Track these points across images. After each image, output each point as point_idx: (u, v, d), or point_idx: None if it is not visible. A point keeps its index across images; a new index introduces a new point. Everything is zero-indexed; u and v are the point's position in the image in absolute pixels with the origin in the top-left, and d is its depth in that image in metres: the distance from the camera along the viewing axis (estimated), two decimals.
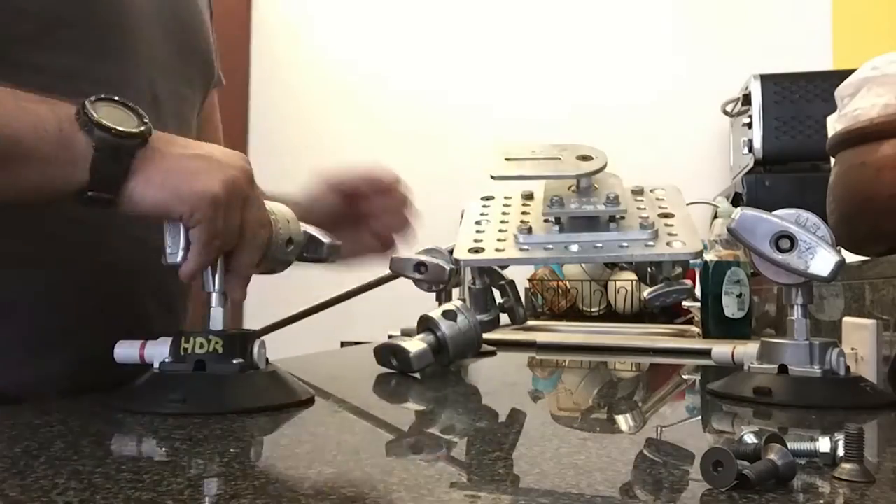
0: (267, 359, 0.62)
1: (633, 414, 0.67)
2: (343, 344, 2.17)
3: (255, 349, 0.60)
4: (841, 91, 1.02)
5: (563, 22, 2.84)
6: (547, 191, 0.84)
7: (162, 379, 0.58)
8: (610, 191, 0.81)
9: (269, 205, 0.65)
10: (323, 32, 3.06)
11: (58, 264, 0.72)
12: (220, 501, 0.34)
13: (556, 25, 2.84)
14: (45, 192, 0.57)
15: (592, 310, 2.08)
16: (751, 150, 2.06)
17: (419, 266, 0.95)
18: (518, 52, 2.85)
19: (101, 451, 0.45)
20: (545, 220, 0.83)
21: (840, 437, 0.39)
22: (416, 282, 0.97)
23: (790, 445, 0.38)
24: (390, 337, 1.25)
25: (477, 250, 0.82)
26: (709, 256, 1.36)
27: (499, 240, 0.84)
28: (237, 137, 3.09)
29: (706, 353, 0.93)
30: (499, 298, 0.96)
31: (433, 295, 1.05)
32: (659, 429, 0.59)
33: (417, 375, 0.82)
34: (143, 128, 0.57)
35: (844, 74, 1.03)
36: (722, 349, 0.86)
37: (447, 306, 0.85)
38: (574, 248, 0.80)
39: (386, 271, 1.03)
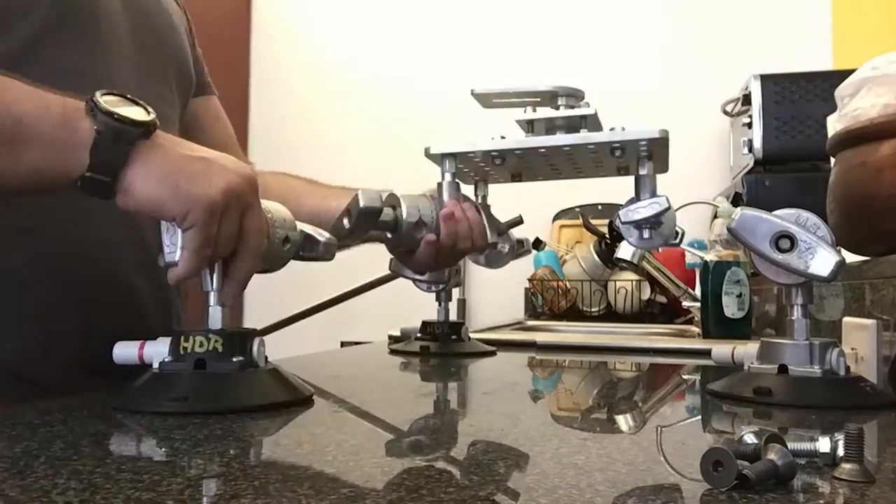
0: (266, 357, 0.62)
1: (633, 414, 0.67)
2: (343, 344, 2.17)
3: (255, 347, 0.60)
4: (841, 91, 1.02)
5: (563, 22, 2.84)
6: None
7: (162, 378, 0.58)
8: (583, 102, 0.82)
9: (265, 204, 0.65)
10: (323, 32, 3.06)
11: (46, 235, 0.72)
12: (220, 501, 0.34)
13: (556, 25, 2.84)
14: (45, 176, 0.56)
15: (592, 310, 2.08)
16: (751, 150, 2.06)
17: None
18: (518, 52, 2.85)
19: (101, 451, 0.45)
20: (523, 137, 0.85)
21: (840, 437, 0.39)
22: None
23: (790, 445, 0.38)
24: (390, 337, 1.25)
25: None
26: (709, 256, 1.36)
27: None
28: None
29: (706, 353, 0.93)
30: None
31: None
32: (659, 429, 0.59)
33: (418, 376, 0.81)
34: (148, 119, 0.57)
35: (844, 74, 1.03)
36: (722, 349, 0.86)
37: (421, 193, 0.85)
38: (541, 140, 0.81)
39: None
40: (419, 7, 2.96)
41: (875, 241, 0.91)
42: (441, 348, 1.06)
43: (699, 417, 0.67)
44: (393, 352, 1.09)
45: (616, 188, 1.14)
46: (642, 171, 0.83)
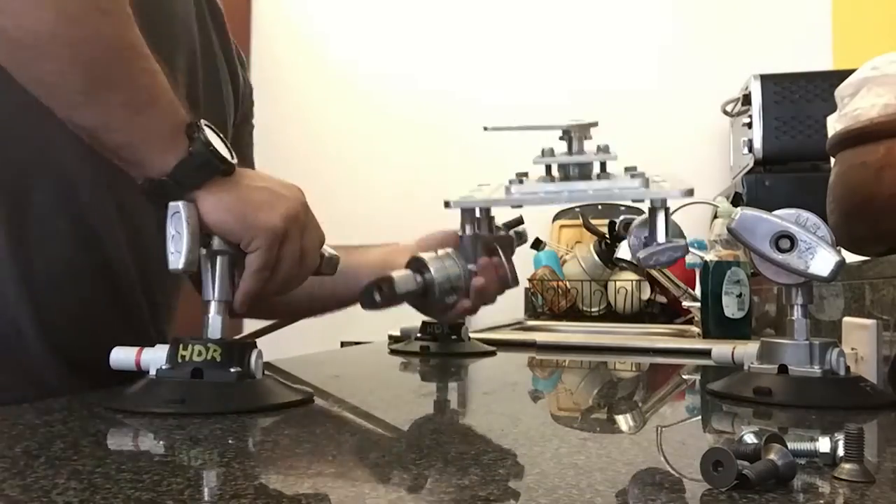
0: (264, 371, 0.62)
1: (633, 414, 0.67)
2: (343, 344, 2.17)
3: (253, 358, 0.60)
4: (841, 91, 1.02)
5: (564, 22, 2.84)
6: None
7: (159, 383, 0.58)
8: (600, 144, 0.82)
9: None
10: (323, 32, 3.06)
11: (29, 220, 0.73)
12: (220, 501, 0.34)
13: (556, 25, 2.84)
14: (133, 155, 0.61)
15: (592, 310, 2.08)
16: (751, 150, 2.06)
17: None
18: (518, 52, 2.85)
19: (101, 451, 0.45)
20: (538, 178, 0.84)
21: (840, 437, 0.39)
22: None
23: (790, 445, 0.38)
24: (390, 337, 1.25)
25: (468, 198, 0.83)
26: (709, 256, 1.36)
27: (491, 193, 0.85)
28: None
29: (706, 353, 0.93)
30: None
31: None
32: (659, 429, 0.59)
33: (418, 376, 0.81)
34: (233, 160, 0.63)
35: (844, 74, 1.03)
36: (722, 349, 0.86)
37: (439, 251, 0.84)
38: (565, 194, 0.80)
39: None
40: (419, 5, 2.96)
41: (875, 241, 0.91)
42: (441, 348, 1.06)
43: (699, 417, 0.67)
44: (393, 352, 1.09)
45: None
46: (660, 215, 0.84)
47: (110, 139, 0.61)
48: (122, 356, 0.60)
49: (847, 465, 0.37)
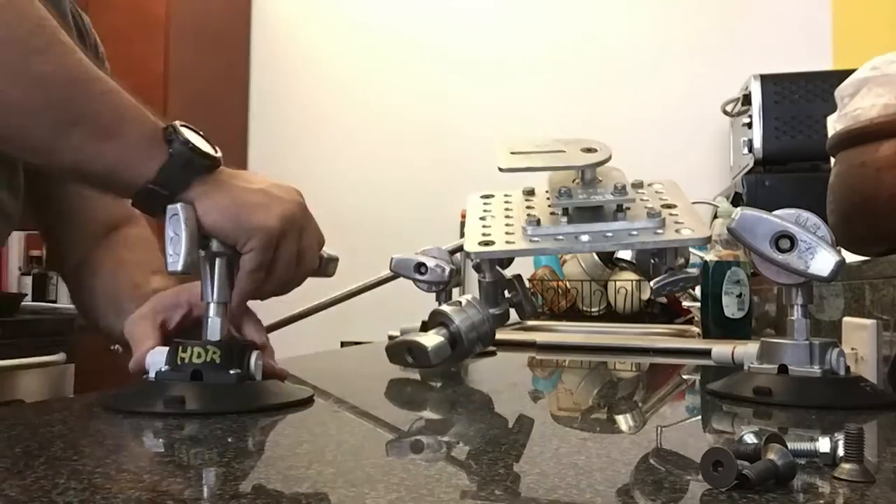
0: (263, 371, 0.62)
1: (633, 414, 0.67)
2: (343, 344, 2.17)
3: (253, 360, 0.60)
4: (841, 91, 1.02)
5: (564, 22, 2.84)
6: (553, 183, 0.84)
7: (158, 384, 0.58)
8: (615, 182, 0.81)
9: None
10: (323, 32, 3.06)
11: None
12: (219, 501, 0.34)
13: (556, 25, 2.84)
14: (116, 176, 0.60)
15: (592, 310, 2.08)
16: (751, 150, 2.06)
17: (419, 266, 0.95)
18: (518, 51, 2.85)
19: (101, 451, 0.45)
20: (552, 213, 0.83)
21: (840, 437, 0.39)
22: (416, 282, 0.97)
23: (790, 445, 0.38)
24: (390, 337, 1.25)
25: (487, 243, 0.82)
26: (709, 256, 1.36)
27: (507, 233, 0.84)
28: (237, 137, 3.09)
29: (706, 353, 0.93)
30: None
31: (433, 295, 1.05)
32: (659, 429, 0.59)
33: (418, 376, 0.81)
34: (217, 155, 0.62)
35: (844, 74, 1.03)
36: (722, 349, 0.86)
37: (459, 300, 0.85)
38: (584, 238, 0.80)
39: (386, 271, 1.03)
40: (419, 7, 2.96)
41: (875, 241, 0.91)
42: None
43: (699, 417, 0.67)
44: None
45: None
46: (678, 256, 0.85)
47: (93, 172, 0.60)
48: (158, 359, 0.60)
49: (847, 465, 0.37)
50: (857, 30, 2.40)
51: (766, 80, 2.06)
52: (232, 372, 0.58)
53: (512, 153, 0.83)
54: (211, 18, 2.92)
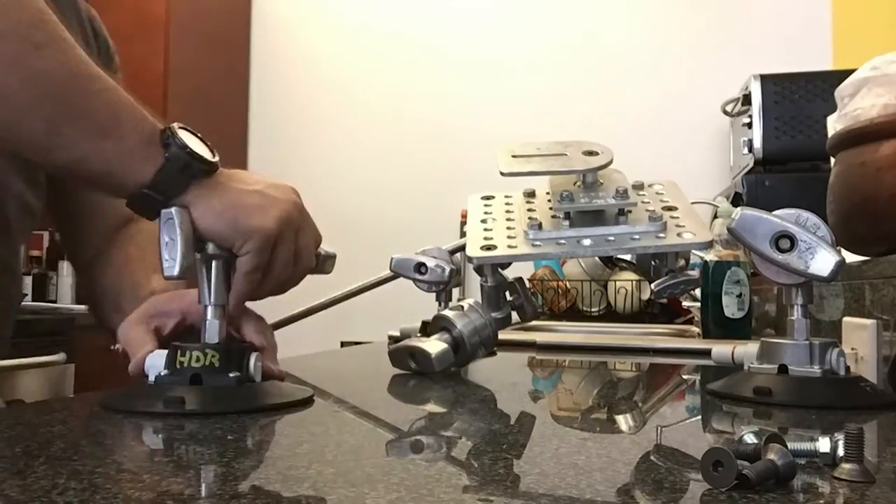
0: (263, 372, 0.62)
1: (633, 414, 0.67)
2: (343, 344, 2.17)
3: (252, 362, 0.59)
4: (841, 91, 1.02)
5: (564, 22, 2.84)
6: (554, 186, 0.84)
7: (158, 387, 0.58)
8: (616, 185, 0.81)
9: None
10: (323, 32, 3.06)
11: None
12: (220, 501, 0.34)
13: (556, 25, 2.84)
14: (111, 177, 0.60)
15: (592, 310, 2.08)
16: (751, 150, 2.06)
17: (419, 266, 0.95)
18: (518, 51, 2.85)
19: (101, 451, 0.45)
20: (553, 217, 0.83)
21: (840, 437, 0.39)
22: (416, 282, 0.97)
23: (790, 445, 0.38)
24: (390, 337, 1.25)
25: (489, 247, 0.82)
26: (709, 256, 1.36)
27: (509, 237, 0.84)
28: (237, 137, 3.09)
29: (706, 353, 0.93)
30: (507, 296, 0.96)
31: (433, 295, 1.05)
32: (659, 429, 0.59)
33: (418, 376, 0.81)
34: (214, 159, 0.62)
35: (844, 74, 1.03)
36: (722, 349, 0.86)
37: (461, 304, 0.85)
38: (587, 241, 0.80)
39: (386, 271, 1.03)
40: (419, 7, 2.96)
41: (875, 241, 0.91)
42: None
43: (699, 417, 0.67)
44: None
45: None
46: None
47: (88, 171, 0.60)
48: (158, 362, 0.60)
49: (847, 465, 0.37)
50: (857, 30, 2.40)
51: (766, 80, 2.06)
52: (231, 375, 0.57)
53: (513, 157, 0.83)
54: (211, 18, 2.92)
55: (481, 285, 0.87)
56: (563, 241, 0.81)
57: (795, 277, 0.63)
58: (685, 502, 0.36)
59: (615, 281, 2.04)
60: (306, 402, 0.61)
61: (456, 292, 1.08)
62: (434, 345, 0.80)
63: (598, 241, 0.80)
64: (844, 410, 0.61)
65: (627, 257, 1.34)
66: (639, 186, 0.89)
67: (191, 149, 0.59)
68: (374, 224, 2.85)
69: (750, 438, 0.38)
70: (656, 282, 0.87)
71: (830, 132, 1.01)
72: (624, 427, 0.60)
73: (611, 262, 2.00)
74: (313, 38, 3.07)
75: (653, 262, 0.90)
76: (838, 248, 0.65)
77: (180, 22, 2.71)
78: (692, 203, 0.87)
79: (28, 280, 2.73)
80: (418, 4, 2.96)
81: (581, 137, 0.87)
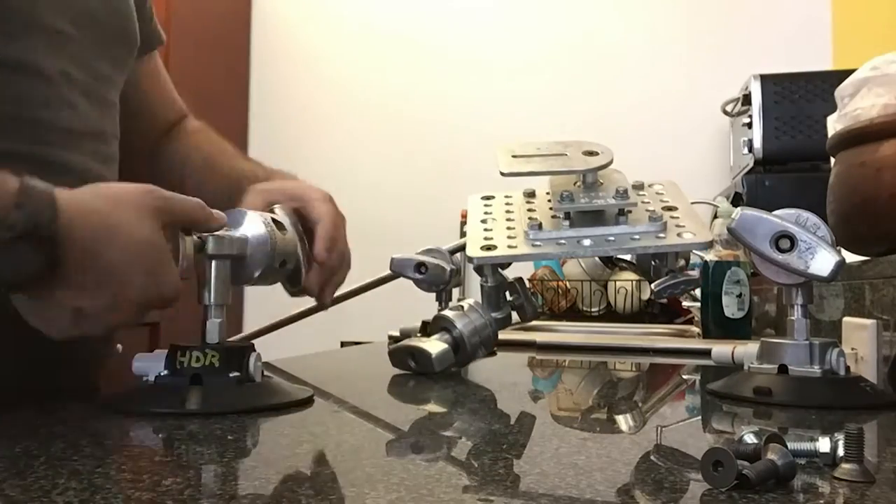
0: (263, 372, 0.62)
1: (633, 414, 0.67)
2: (343, 344, 2.17)
3: (252, 361, 0.59)
4: (841, 91, 1.02)
5: (563, 22, 2.84)
6: (554, 186, 0.84)
7: (158, 387, 0.58)
8: (616, 185, 0.81)
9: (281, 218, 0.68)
10: (323, 32, 3.06)
11: None
12: (220, 501, 0.34)
13: (556, 25, 2.84)
14: None
15: (592, 310, 2.08)
16: (751, 150, 2.06)
17: (419, 266, 0.95)
18: (518, 51, 2.85)
19: (101, 451, 0.45)
20: (553, 217, 0.83)
21: (840, 437, 0.39)
22: (417, 282, 0.97)
23: (790, 445, 0.38)
24: (390, 337, 1.25)
25: (489, 248, 0.82)
26: (709, 256, 1.36)
27: (509, 237, 0.84)
28: (237, 137, 3.09)
29: (706, 353, 0.93)
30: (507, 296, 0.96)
31: (433, 295, 1.05)
32: (659, 429, 0.59)
33: (417, 377, 0.81)
34: (32, 276, 0.52)
35: (844, 74, 1.03)
36: (722, 349, 0.86)
37: (461, 304, 0.85)
38: (587, 242, 0.80)
39: (386, 271, 1.03)
40: (419, 8, 2.96)
41: (875, 241, 0.91)
42: None
43: (699, 417, 0.67)
44: None
45: None
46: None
47: None
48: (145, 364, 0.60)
49: (847, 465, 0.37)
50: (857, 30, 2.40)
51: (766, 80, 2.06)
52: (231, 375, 0.57)
53: (513, 157, 0.83)
54: (211, 18, 2.92)
55: (481, 285, 0.87)
56: (563, 242, 0.81)
57: (795, 277, 0.63)
58: (685, 502, 0.36)
59: (615, 281, 2.04)
60: (306, 402, 0.61)
61: (456, 292, 1.08)
62: (434, 345, 0.80)
63: (598, 242, 0.80)
64: (844, 410, 0.61)
65: (627, 257, 1.34)
66: (639, 186, 0.89)
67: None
68: (373, 224, 2.84)
69: (750, 438, 0.38)
70: (656, 282, 0.87)
71: (830, 132, 1.01)
72: (624, 427, 0.60)
73: (611, 262, 2.00)
74: (313, 38, 3.07)
75: (653, 262, 0.90)
76: (838, 248, 0.65)
77: (180, 22, 2.71)
78: (692, 203, 0.87)
79: None
80: (418, 4, 2.96)
81: (581, 137, 0.87)
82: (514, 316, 0.94)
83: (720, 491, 0.35)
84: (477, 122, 2.80)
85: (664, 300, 2.02)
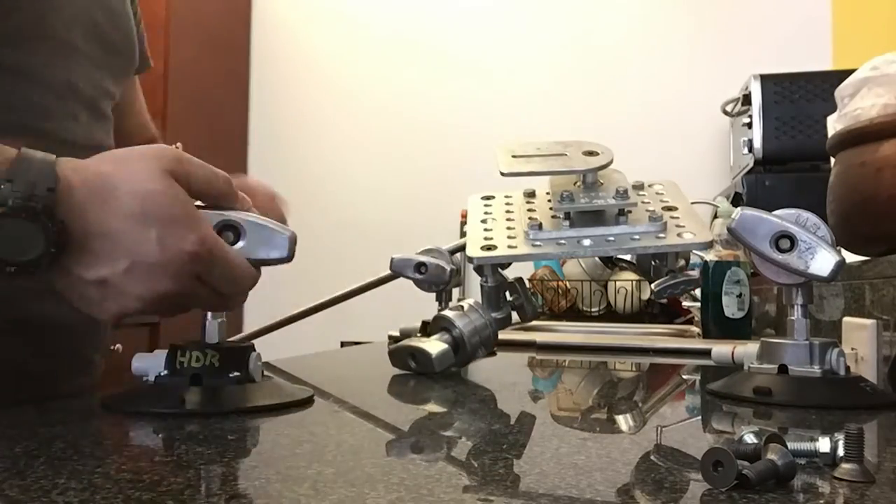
0: (263, 371, 0.62)
1: (633, 414, 0.67)
2: (343, 344, 2.17)
3: (252, 361, 0.59)
4: (841, 91, 1.02)
5: (564, 22, 2.84)
6: (554, 186, 0.84)
7: (158, 387, 0.58)
8: (616, 185, 0.81)
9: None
10: (323, 33, 3.06)
11: None
12: (220, 501, 0.34)
13: (556, 26, 2.84)
14: None
15: (592, 310, 2.08)
16: (751, 150, 2.06)
17: (419, 266, 0.95)
18: (518, 52, 2.85)
19: (101, 451, 0.45)
20: (553, 217, 0.83)
21: (840, 437, 0.39)
22: (417, 282, 0.97)
23: (790, 445, 0.38)
24: (390, 337, 1.25)
25: (489, 248, 0.82)
26: (709, 256, 1.36)
27: (509, 237, 0.84)
28: (238, 138, 3.09)
29: (706, 353, 0.93)
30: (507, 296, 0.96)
31: (433, 295, 1.05)
32: (659, 429, 0.59)
33: (417, 377, 0.81)
34: (38, 253, 0.48)
35: (844, 74, 1.03)
36: (722, 349, 0.86)
37: (461, 304, 0.85)
38: (587, 242, 0.80)
39: (386, 271, 1.03)
40: (419, 8, 2.96)
41: (875, 241, 0.91)
42: None
43: (699, 417, 0.67)
44: None
45: None
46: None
47: None
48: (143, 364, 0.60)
49: (847, 465, 0.37)
50: (857, 30, 2.40)
51: (766, 80, 2.06)
52: (231, 375, 0.57)
53: (513, 157, 0.83)
54: (211, 18, 2.92)
55: (481, 285, 0.87)
56: (563, 242, 0.81)
57: (795, 277, 0.63)
58: (685, 502, 0.36)
59: (615, 281, 2.04)
60: (306, 402, 0.61)
61: (456, 292, 1.08)
62: (434, 345, 0.80)
63: (598, 242, 0.80)
64: (844, 410, 0.61)
65: (627, 257, 1.34)
66: (639, 186, 0.89)
67: (4, 262, 0.48)
68: (373, 224, 2.85)
69: (750, 438, 0.38)
70: (656, 282, 0.88)
71: (830, 132, 1.01)
72: (624, 427, 0.60)
73: (611, 262, 2.00)
74: (313, 38, 3.07)
75: (653, 262, 0.90)
76: (838, 248, 0.65)
77: (180, 22, 2.71)
78: (692, 203, 0.87)
79: None
80: (418, 5, 2.96)
81: (581, 137, 0.87)
82: (514, 316, 0.95)
83: (720, 491, 0.35)
84: (477, 122, 2.80)
85: (664, 300, 2.02)
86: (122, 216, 0.50)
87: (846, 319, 0.84)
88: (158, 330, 2.30)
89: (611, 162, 0.81)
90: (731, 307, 1.30)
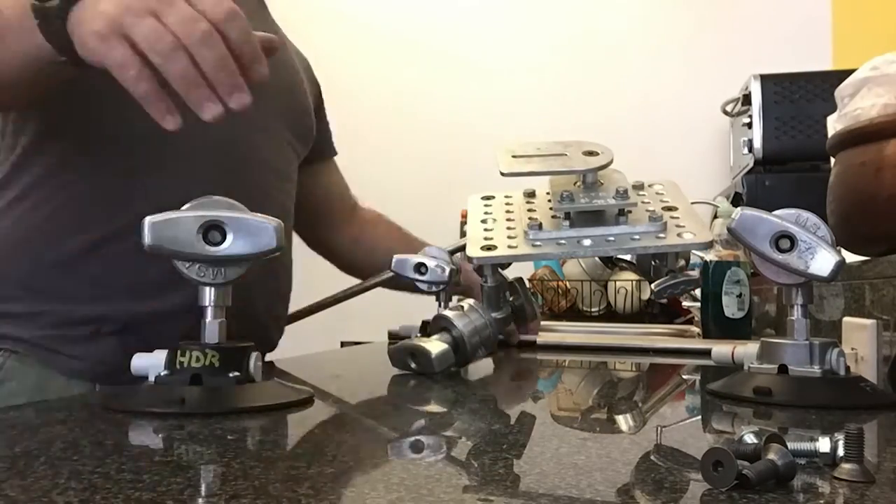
0: (263, 372, 0.62)
1: (633, 414, 0.67)
2: (343, 344, 2.17)
3: (252, 362, 0.59)
4: (841, 91, 1.02)
5: (563, 22, 2.84)
6: (554, 186, 0.84)
7: (158, 387, 0.58)
8: (616, 185, 0.81)
9: None
10: (322, 33, 3.06)
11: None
12: (220, 501, 0.34)
13: (555, 25, 2.84)
14: (30, 59, 0.67)
15: (592, 310, 2.08)
16: (751, 150, 2.06)
17: (419, 266, 0.95)
18: (517, 51, 2.85)
19: (101, 451, 0.45)
20: (553, 217, 0.83)
21: (840, 437, 0.39)
22: (416, 282, 0.97)
23: (790, 445, 0.38)
24: (390, 334, 1.25)
25: (489, 248, 0.82)
26: (709, 256, 1.36)
27: (509, 237, 0.84)
28: None
29: (706, 353, 0.93)
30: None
31: (433, 295, 1.05)
32: (659, 429, 0.59)
33: (417, 377, 0.81)
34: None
35: (844, 74, 1.03)
36: (722, 349, 0.86)
37: (461, 304, 0.85)
38: (587, 242, 0.80)
39: (386, 271, 1.03)
40: (419, 9, 2.96)
41: (875, 241, 0.91)
42: None
43: (699, 417, 0.67)
44: None
45: None
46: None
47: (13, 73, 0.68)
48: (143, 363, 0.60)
49: (847, 465, 0.37)
50: (857, 30, 2.40)
51: (766, 80, 2.06)
52: (231, 375, 0.57)
53: (513, 157, 0.83)
54: None
55: (481, 286, 0.87)
56: (563, 242, 0.81)
57: (795, 277, 0.63)
58: (685, 502, 0.36)
59: (615, 281, 2.04)
60: (306, 402, 0.61)
61: None
62: (434, 345, 0.80)
63: (598, 242, 0.80)
64: (844, 410, 0.61)
65: (627, 257, 1.34)
66: (639, 186, 0.89)
67: (34, 2, 0.63)
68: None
69: (750, 438, 0.38)
70: (656, 282, 0.88)
71: (830, 132, 1.01)
72: (624, 427, 0.60)
73: (611, 262, 2.00)
74: (313, 38, 3.06)
75: (653, 262, 0.90)
76: (838, 248, 0.65)
77: None
78: (692, 203, 0.87)
79: None
80: (419, 5, 2.96)
81: (581, 137, 0.87)
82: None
83: (720, 491, 0.35)
84: (477, 121, 2.80)
85: (664, 300, 2.02)
86: None
87: (846, 319, 0.84)
88: None
89: (611, 162, 0.81)
90: (731, 307, 1.30)
